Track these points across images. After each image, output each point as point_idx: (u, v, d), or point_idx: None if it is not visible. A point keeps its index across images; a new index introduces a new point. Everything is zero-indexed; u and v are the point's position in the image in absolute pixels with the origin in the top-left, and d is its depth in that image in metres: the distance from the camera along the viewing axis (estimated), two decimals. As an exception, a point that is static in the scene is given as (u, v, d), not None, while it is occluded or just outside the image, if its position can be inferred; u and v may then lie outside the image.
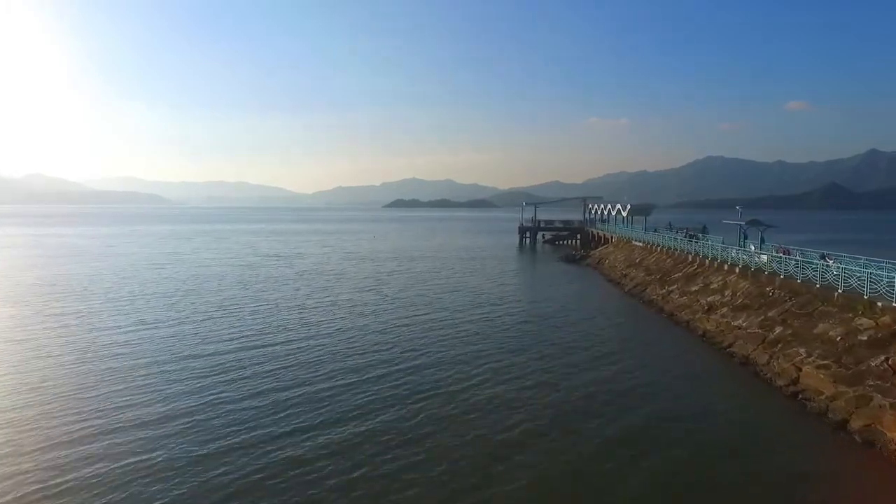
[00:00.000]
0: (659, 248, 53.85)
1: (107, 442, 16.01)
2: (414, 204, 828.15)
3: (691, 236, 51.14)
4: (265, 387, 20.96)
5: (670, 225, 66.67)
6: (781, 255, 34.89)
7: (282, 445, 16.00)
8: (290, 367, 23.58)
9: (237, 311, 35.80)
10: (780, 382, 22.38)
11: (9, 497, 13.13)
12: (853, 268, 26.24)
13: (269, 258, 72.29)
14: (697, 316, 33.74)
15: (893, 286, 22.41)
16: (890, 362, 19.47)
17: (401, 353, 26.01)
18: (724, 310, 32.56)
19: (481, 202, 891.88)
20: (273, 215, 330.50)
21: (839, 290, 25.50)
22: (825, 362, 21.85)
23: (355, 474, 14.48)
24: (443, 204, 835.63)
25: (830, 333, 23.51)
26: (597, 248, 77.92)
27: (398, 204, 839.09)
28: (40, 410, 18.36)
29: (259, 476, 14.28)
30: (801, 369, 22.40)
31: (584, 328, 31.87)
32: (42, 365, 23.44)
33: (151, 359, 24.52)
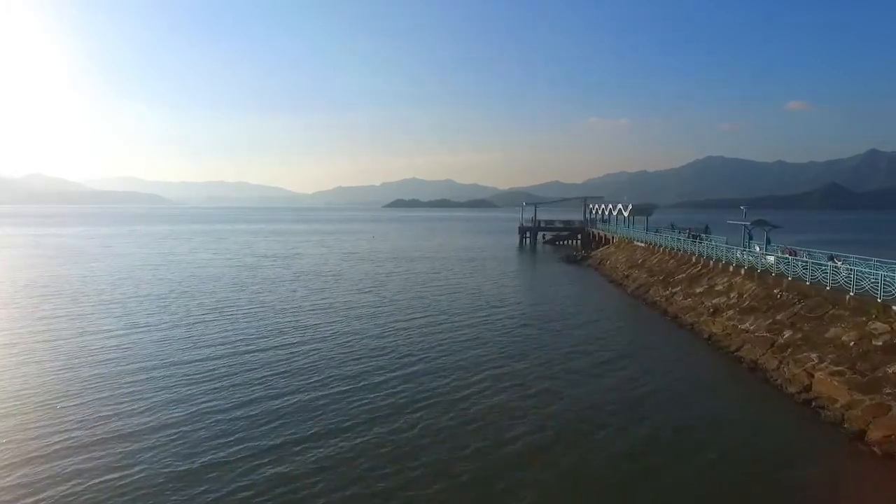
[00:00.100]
0: (661, 249, 53.03)
1: (85, 456, 15.13)
2: (414, 204, 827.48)
3: (694, 237, 50.27)
4: (256, 395, 20.10)
5: (672, 225, 65.84)
6: (788, 256, 34.04)
7: (271, 460, 15.14)
8: (282, 373, 22.71)
9: (231, 313, 34.96)
10: (792, 389, 21.55)
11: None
12: (865, 269, 25.39)
13: (267, 259, 71.47)
14: (703, 318, 32.92)
15: (910, 289, 21.57)
16: (909, 370, 18.68)
17: (398, 358, 25.16)
18: (731, 312, 31.74)
19: (481, 202, 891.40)
20: (273, 215, 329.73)
21: (851, 293, 24.65)
22: (839, 368, 21.02)
23: (348, 492, 13.63)
24: (443, 204, 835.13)
25: (843, 338, 22.67)
26: (598, 248, 77.11)
27: (398, 204, 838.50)
28: (18, 421, 17.50)
29: (245, 494, 13.43)
30: (813, 375, 21.57)
31: (586, 331, 31.01)
32: (25, 371, 22.58)
33: (140, 364, 23.66)
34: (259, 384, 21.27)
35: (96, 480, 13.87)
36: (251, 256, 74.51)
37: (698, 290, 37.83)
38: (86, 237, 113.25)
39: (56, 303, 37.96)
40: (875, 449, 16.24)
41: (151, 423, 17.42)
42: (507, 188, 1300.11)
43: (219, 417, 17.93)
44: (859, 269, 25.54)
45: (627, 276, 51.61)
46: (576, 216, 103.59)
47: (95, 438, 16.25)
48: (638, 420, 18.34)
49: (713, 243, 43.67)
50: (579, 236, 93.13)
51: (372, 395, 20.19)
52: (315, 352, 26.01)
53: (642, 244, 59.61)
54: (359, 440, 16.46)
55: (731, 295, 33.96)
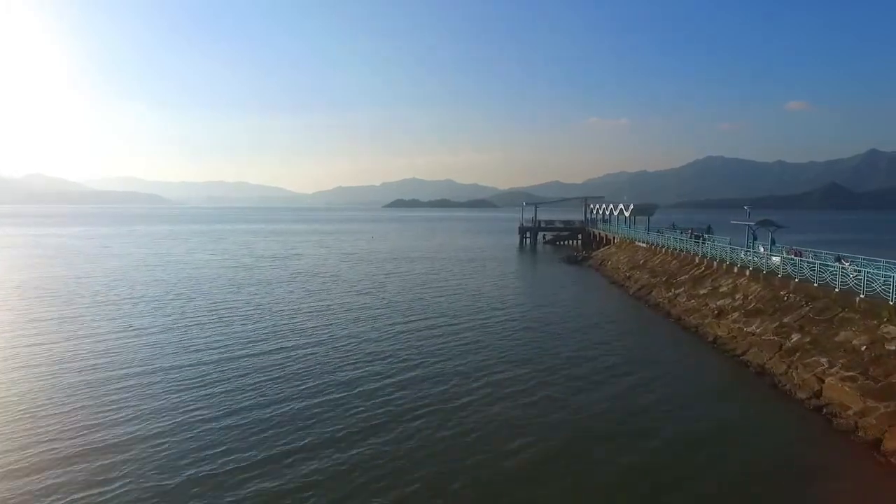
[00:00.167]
0: (663, 250, 52.38)
1: (62, 470, 14.38)
2: (414, 204, 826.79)
3: (696, 237, 49.56)
4: (247, 402, 19.36)
5: (674, 225, 65.16)
6: (793, 256, 33.34)
7: (260, 473, 14.40)
8: (276, 379, 21.96)
9: (226, 316, 34.23)
10: (802, 395, 20.86)
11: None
12: (876, 271, 24.68)
13: (265, 259, 70.77)
14: (707, 321, 32.23)
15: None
16: (925, 376, 17.99)
17: (395, 363, 24.39)
18: (736, 315, 31.04)
19: (481, 202, 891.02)
20: (272, 215, 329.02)
21: (861, 295, 23.95)
22: (850, 374, 20.32)
23: (340, 509, 12.93)
24: (443, 204, 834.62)
25: (854, 342, 21.98)
26: (598, 248, 76.46)
27: (398, 204, 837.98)
28: (-4, 431, 16.77)
29: (232, 510, 12.74)
30: (823, 381, 20.87)
31: (589, 335, 30.26)
32: (8, 378, 21.78)
33: (129, 370, 22.91)
34: (251, 391, 20.54)
35: (73, 497, 13.12)
36: (249, 257, 73.81)
37: (702, 292, 37.13)
38: (84, 237, 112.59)
39: (48, 305, 37.27)
40: (893, 460, 15.54)
41: (136, 434, 16.68)
42: (507, 188, 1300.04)
43: (207, 427, 17.20)
44: (869, 270, 24.82)
45: (629, 277, 50.92)
46: (576, 216, 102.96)
47: (75, 451, 15.49)
48: (645, 431, 17.53)
49: (716, 244, 42.97)
50: (580, 236, 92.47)
51: (368, 403, 19.45)
52: (310, 356, 25.28)
53: (644, 244, 58.94)
54: (353, 452, 15.72)
55: (737, 296, 33.27)
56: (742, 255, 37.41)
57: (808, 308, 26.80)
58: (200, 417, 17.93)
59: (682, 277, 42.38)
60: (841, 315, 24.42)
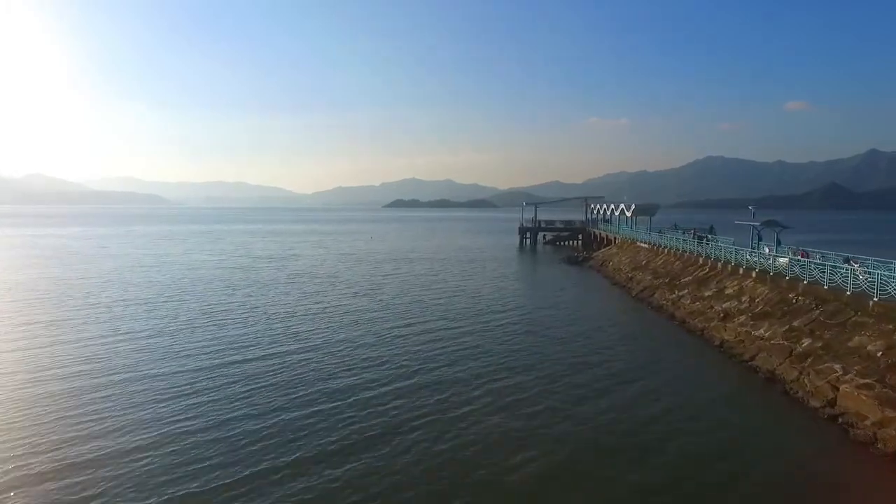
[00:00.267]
0: (666, 250, 51.55)
1: (36, 489, 13.46)
2: (413, 204, 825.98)
3: (699, 237, 48.73)
4: (237, 413, 18.46)
5: (676, 226, 64.32)
6: (800, 257, 32.50)
7: (246, 492, 13.50)
8: (267, 387, 21.05)
9: (220, 319, 33.35)
10: (815, 403, 20.01)
11: None
12: (889, 273, 23.82)
13: (262, 260, 69.91)
14: (713, 324, 31.39)
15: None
16: (947, 385, 17.14)
17: (392, 370, 23.49)
18: (743, 318, 30.20)
19: (481, 202, 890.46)
20: (271, 216, 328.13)
21: (875, 298, 23.10)
22: (866, 381, 19.46)
23: (331, 530, 12.07)
24: (442, 204, 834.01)
25: (869, 348, 21.13)
26: (599, 249, 75.66)
27: (398, 204, 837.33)
28: (-32, 446, 15.84)
29: (215, 532, 11.88)
30: (838, 389, 20.01)
31: (591, 340, 29.37)
32: (-11, 385, 20.90)
33: (115, 377, 22.01)
34: (240, 400, 19.63)
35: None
36: (246, 258, 72.95)
37: (707, 294, 36.29)
38: (82, 238, 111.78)
39: (37, 307, 36.38)
40: (916, 475, 14.72)
41: (116, 448, 15.76)
42: (506, 188, 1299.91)
43: (192, 440, 16.29)
44: (882, 272, 23.95)
45: (631, 279, 50.08)
46: (576, 216, 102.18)
47: (49, 467, 14.57)
48: (654, 444, 16.61)
49: (721, 244, 42.15)
50: (580, 237, 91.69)
51: (362, 413, 18.55)
52: (304, 362, 24.37)
53: (646, 245, 58.10)
54: (346, 467, 14.83)
55: (743, 299, 32.42)
56: (747, 257, 36.58)
57: (818, 311, 25.95)
58: (186, 429, 17.03)
59: (686, 279, 41.54)
60: (854, 319, 23.57)
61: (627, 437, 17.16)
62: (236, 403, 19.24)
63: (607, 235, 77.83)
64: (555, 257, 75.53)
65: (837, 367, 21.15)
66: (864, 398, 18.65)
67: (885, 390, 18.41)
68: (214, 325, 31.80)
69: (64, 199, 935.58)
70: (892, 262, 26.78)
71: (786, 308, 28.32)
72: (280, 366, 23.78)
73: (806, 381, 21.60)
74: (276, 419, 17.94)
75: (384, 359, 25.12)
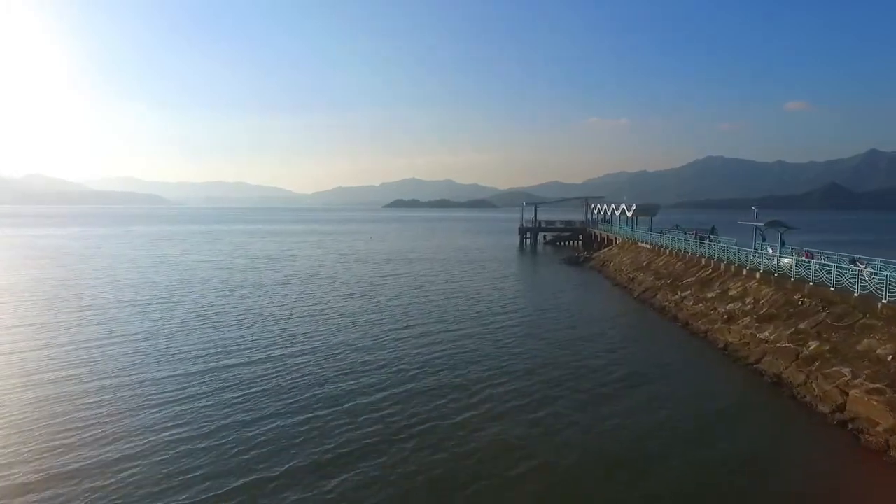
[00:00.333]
0: (667, 251, 51.04)
1: (18, 501, 12.92)
2: (413, 204, 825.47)
3: (701, 238, 48.21)
4: (229, 420, 17.88)
5: (677, 226, 63.79)
6: (805, 258, 31.96)
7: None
8: (261, 393, 20.47)
9: (215, 321, 32.79)
10: (824, 409, 19.49)
11: None
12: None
13: (260, 260, 69.35)
14: (717, 326, 30.86)
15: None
16: (962, 391, 16.60)
17: (390, 374, 22.91)
18: (747, 320, 29.66)
19: (481, 202, 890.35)
20: (271, 216, 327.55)
21: (883, 300, 22.55)
22: (877, 386, 18.91)
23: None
24: (442, 204, 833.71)
25: (879, 351, 20.59)
26: (600, 249, 75.17)
27: (398, 204, 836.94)
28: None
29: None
30: (847, 393, 19.48)
31: (594, 343, 28.79)
32: (-25, 391, 20.31)
33: (105, 382, 21.40)
34: (234, 406, 19.05)
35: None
36: (244, 258, 72.40)
37: (710, 295, 35.75)
38: (81, 238, 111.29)
39: (30, 309, 35.82)
40: (932, 485, 14.18)
41: (103, 457, 15.19)
42: (506, 188, 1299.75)
43: (183, 448, 15.72)
44: (890, 274, 23.39)
45: (633, 279, 49.56)
46: (576, 216, 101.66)
47: (33, 478, 13.98)
48: (661, 453, 16.00)
49: (723, 245, 41.62)
50: (581, 237, 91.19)
51: (359, 420, 17.97)
52: (299, 366, 23.79)
53: (647, 245, 57.59)
54: (342, 477, 14.25)
55: (747, 300, 31.89)
56: (751, 257, 36.05)
57: (825, 314, 25.42)
58: (176, 437, 16.46)
59: (689, 280, 41.02)
60: (862, 321, 23.04)
61: (633, 445, 16.57)
62: (228, 410, 18.67)
63: (608, 236, 77.32)
64: (555, 258, 74.99)
65: (846, 371, 20.62)
66: (874, 404, 18.11)
67: (896, 396, 17.90)
68: (209, 327, 31.26)
69: (64, 199, 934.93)
70: (899, 263, 26.29)
71: (791, 310, 27.79)
72: (275, 370, 23.22)
73: (814, 385, 21.08)
74: (269, 426, 17.36)
75: (382, 362, 24.56)
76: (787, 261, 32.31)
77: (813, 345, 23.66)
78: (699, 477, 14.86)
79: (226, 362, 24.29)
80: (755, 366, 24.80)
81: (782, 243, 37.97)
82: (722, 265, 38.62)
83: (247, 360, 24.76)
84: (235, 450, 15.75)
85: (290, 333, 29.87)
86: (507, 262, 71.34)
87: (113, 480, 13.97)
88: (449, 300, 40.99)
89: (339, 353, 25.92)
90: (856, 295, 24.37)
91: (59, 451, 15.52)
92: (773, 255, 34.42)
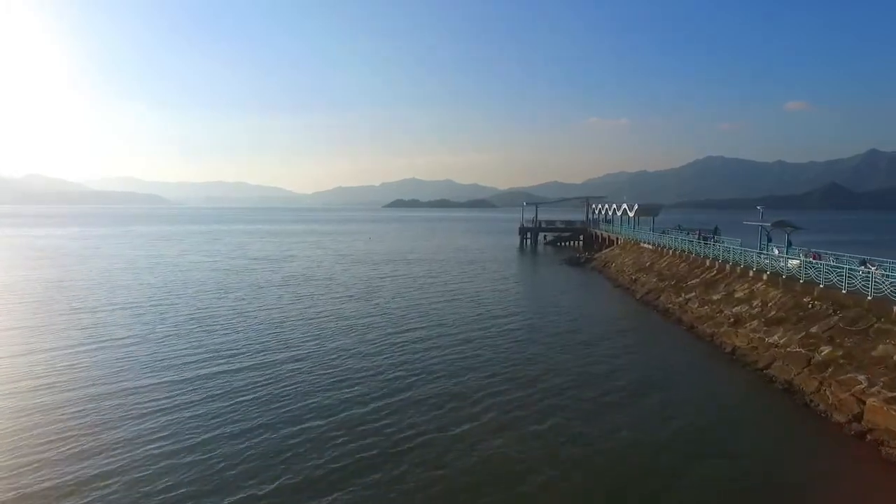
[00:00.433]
0: (670, 251, 50.22)
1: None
2: (413, 204, 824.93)
3: (704, 238, 47.36)
4: (217, 432, 16.97)
5: (679, 226, 62.94)
6: (812, 259, 31.12)
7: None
8: (252, 402, 19.56)
9: (208, 325, 31.90)
10: (839, 418, 18.63)
11: None
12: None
13: (258, 261, 68.48)
14: (723, 329, 30.01)
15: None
16: None
17: (386, 382, 21.98)
18: (755, 323, 28.81)
19: (481, 202, 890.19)
20: (271, 216, 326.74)
21: (900, 304, 21.70)
22: (895, 395, 18.11)
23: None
24: (442, 204, 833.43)
25: (895, 358, 19.78)
26: (601, 250, 74.41)
27: (398, 204, 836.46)
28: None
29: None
30: (864, 402, 18.61)
31: (598, 348, 27.87)
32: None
33: (90, 390, 20.50)
34: (223, 417, 18.13)
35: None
36: (242, 259, 71.54)
37: (715, 298, 34.90)
38: (79, 238, 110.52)
39: (18, 312, 34.90)
40: (961, 504, 13.32)
41: (80, 474, 14.26)
42: (506, 188, 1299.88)
43: (166, 464, 14.80)
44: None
45: (635, 281, 48.72)
46: (577, 216, 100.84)
47: (6, 497, 13.09)
48: (675, 471, 14.96)
49: (728, 245, 40.77)
50: (581, 237, 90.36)
51: (353, 433, 17.04)
52: (293, 374, 22.86)
53: (649, 246, 56.77)
54: (334, 496, 13.32)
55: (754, 303, 31.04)
56: (757, 259, 35.19)
57: (837, 317, 24.56)
58: (159, 451, 15.55)
59: (693, 281, 40.18)
60: (877, 326, 22.18)
61: (643, 460, 15.65)
62: (216, 421, 17.76)
63: (609, 236, 76.49)
64: (556, 258, 74.15)
65: (861, 378, 19.76)
66: (894, 414, 17.25)
67: (917, 406, 17.05)
68: (202, 331, 30.38)
69: (64, 199, 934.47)
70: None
71: (801, 313, 26.94)
72: (267, 378, 22.31)
73: (827, 393, 20.22)
74: (258, 439, 16.45)
75: (378, 369, 23.65)
76: (794, 262, 31.48)
77: (825, 350, 22.81)
78: (717, 496, 13.95)
79: (216, 369, 23.40)
80: (765, 371, 23.94)
81: (789, 244, 37.12)
82: (727, 266, 37.80)
83: (238, 366, 23.87)
84: (222, 465, 14.85)
85: (284, 338, 29.00)
86: (508, 262, 70.49)
87: (88, 500, 13.07)
88: (448, 302, 40.13)
89: (334, 360, 25.01)
90: (869, 298, 23.54)
91: (33, 466, 14.60)
92: (779, 257, 33.59)
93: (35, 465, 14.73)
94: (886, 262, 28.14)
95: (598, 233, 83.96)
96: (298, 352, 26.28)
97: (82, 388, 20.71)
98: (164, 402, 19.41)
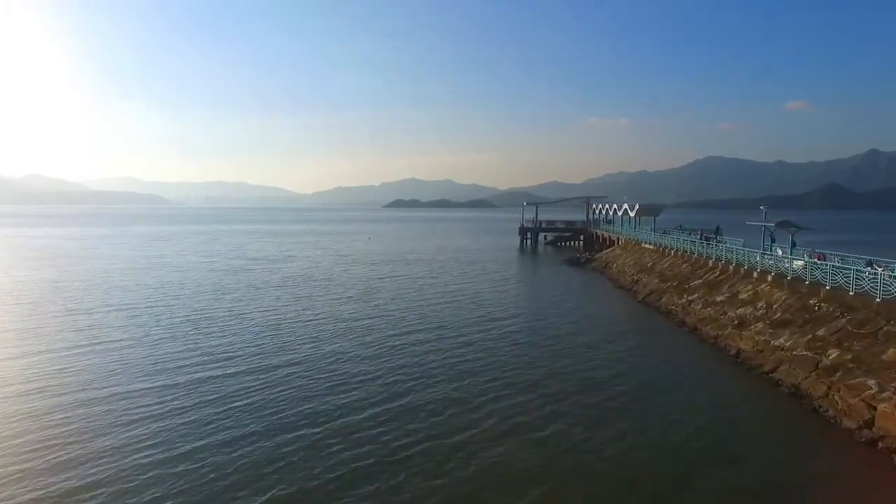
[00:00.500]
0: (672, 252, 49.71)
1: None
2: (413, 204, 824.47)
3: (706, 238, 46.85)
4: (208, 440, 16.44)
5: (681, 226, 62.41)
6: (817, 260, 30.57)
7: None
8: (245, 408, 19.03)
9: (204, 327, 31.37)
10: (850, 424, 18.11)
11: None
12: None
13: (257, 262, 67.96)
14: (727, 332, 29.49)
15: None
16: None
17: (384, 387, 21.45)
18: (760, 325, 28.30)
19: (481, 202, 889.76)
20: (271, 216, 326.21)
21: (909, 307, 21.19)
22: (907, 401, 17.60)
23: None
24: (442, 204, 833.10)
25: (907, 362, 19.25)
26: (602, 250, 73.91)
27: (398, 204, 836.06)
28: None
29: None
30: (874, 408, 18.10)
31: (600, 351, 27.36)
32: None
33: (80, 395, 19.98)
34: (214, 424, 17.59)
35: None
36: (240, 259, 71.03)
37: (719, 299, 34.39)
38: (78, 238, 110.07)
39: (13, 313, 34.39)
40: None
41: (64, 485, 13.71)
42: (506, 188, 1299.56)
43: (154, 474, 14.26)
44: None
45: (637, 282, 48.20)
46: (577, 216, 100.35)
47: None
48: (683, 480, 14.48)
49: (731, 246, 40.24)
50: (582, 237, 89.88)
51: (350, 441, 16.51)
52: (288, 378, 22.31)
53: (651, 246, 56.27)
54: (326, 508, 12.90)
55: (759, 305, 30.52)
56: (761, 259, 34.67)
57: (845, 320, 24.05)
58: (149, 460, 15.03)
59: (695, 282, 39.67)
60: (886, 329, 21.67)
61: (649, 468, 15.14)
62: (208, 428, 17.22)
63: (610, 236, 75.98)
64: (556, 258, 73.64)
65: (871, 382, 19.26)
66: (907, 420, 16.76)
67: (931, 412, 16.54)
68: (198, 333, 29.86)
69: (64, 199, 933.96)
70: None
71: (807, 315, 26.43)
72: (262, 382, 21.77)
73: (836, 398, 19.71)
74: (250, 448, 15.91)
75: (376, 374, 23.11)
76: (799, 263, 30.96)
77: (833, 353, 22.30)
78: (723, 505, 13.43)
79: (210, 373, 22.86)
80: (770, 375, 23.43)
81: (793, 244, 36.61)
82: (730, 267, 37.29)
83: (233, 370, 23.34)
84: (213, 475, 14.32)
85: (280, 341, 28.47)
86: (508, 263, 69.98)
87: (72, 512, 12.57)
88: (448, 304, 39.61)
89: (330, 363, 24.47)
90: (878, 300, 23.03)
91: (15, 476, 14.07)
92: (784, 257, 33.08)
93: (18, 475, 14.21)
94: (894, 262, 27.61)
95: (599, 233, 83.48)
96: (294, 355, 25.75)
97: (72, 393, 20.19)
98: (155, 407, 18.89)
